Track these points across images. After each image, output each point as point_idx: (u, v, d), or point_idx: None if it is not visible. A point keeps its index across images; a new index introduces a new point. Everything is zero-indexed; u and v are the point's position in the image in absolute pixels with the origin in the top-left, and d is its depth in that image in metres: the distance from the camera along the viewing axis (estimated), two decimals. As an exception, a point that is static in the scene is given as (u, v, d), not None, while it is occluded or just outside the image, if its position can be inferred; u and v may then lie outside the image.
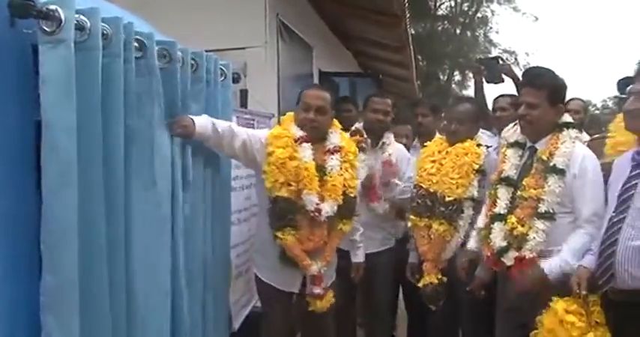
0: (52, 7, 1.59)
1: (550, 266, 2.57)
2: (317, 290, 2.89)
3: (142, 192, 2.07)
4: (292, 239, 2.82)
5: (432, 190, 3.24)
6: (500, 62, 3.96)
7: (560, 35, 57.73)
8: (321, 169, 2.91)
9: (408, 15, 7.13)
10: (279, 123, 3.39)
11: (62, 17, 1.60)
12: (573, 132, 2.75)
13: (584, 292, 2.37)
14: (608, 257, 2.32)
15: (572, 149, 2.68)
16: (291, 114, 3.05)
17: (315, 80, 6.78)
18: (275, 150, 2.81)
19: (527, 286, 2.60)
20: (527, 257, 2.63)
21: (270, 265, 2.97)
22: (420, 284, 3.25)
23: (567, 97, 3.90)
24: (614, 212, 2.37)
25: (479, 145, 3.22)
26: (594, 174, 2.64)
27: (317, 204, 2.83)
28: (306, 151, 2.86)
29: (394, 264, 3.69)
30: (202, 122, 2.54)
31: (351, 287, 3.57)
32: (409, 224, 3.37)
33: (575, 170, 2.65)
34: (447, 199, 3.13)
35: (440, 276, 3.21)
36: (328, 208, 2.86)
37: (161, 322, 2.19)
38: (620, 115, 2.80)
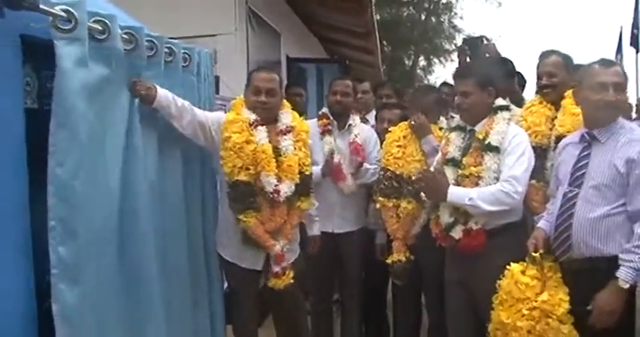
0: (67, 8, 1.82)
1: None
2: (276, 269, 2.97)
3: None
4: (254, 221, 2.89)
5: (398, 173, 3.38)
6: (485, 42, 4.05)
7: (523, 21, 58.44)
8: (275, 150, 2.95)
9: (373, 1, 7.25)
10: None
11: (76, 18, 1.82)
12: (507, 114, 2.98)
13: (541, 251, 2.57)
14: (565, 230, 2.53)
15: (505, 128, 2.91)
16: (241, 98, 3.06)
17: (283, 66, 6.88)
18: (231, 135, 2.84)
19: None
20: (473, 229, 2.85)
21: (234, 244, 3.01)
22: (388, 261, 3.40)
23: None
24: (567, 188, 2.57)
25: (441, 129, 3.40)
26: (521, 147, 2.87)
27: (275, 186, 2.90)
28: (261, 134, 2.91)
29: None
30: (164, 92, 2.56)
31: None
32: (377, 205, 3.49)
33: (507, 146, 2.87)
34: (414, 178, 3.26)
35: (408, 255, 3.36)
36: (286, 188, 2.93)
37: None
38: (529, 102, 3.27)
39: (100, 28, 1.99)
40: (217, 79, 4.37)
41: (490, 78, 3.03)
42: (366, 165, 3.67)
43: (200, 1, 4.65)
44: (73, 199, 1.84)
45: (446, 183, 2.89)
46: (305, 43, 8.67)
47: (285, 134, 3.02)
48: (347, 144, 3.74)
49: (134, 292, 2.17)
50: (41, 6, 1.74)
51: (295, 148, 3.02)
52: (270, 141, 2.93)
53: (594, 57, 2.65)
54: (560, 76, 3.13)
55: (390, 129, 3.58)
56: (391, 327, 4.06)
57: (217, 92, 4.28)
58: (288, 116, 3.09)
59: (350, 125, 3.79)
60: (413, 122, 3.39)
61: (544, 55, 3.24)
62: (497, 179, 2.84)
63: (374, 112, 4.27)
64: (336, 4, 6.86)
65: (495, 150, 2.86)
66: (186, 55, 2.73)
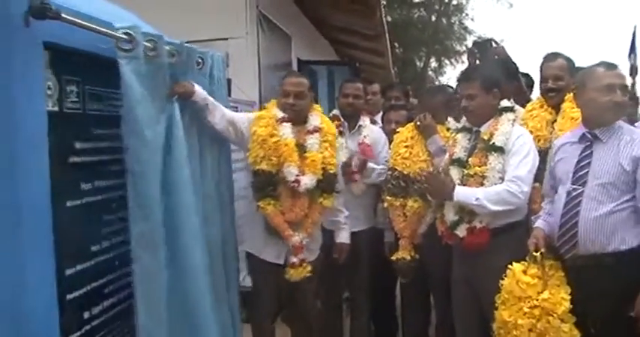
0: (128, 31, 2.17)
1: None
2: (293, 260, 3.10)
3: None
4: (272, 208, 3.06)
5: (405, 172, 3.47)
6: (494, 44, 4.05)
7: (534, 22, 58.29)
8: (301, 147, 3.15)
9: (383, 3, 7.31)
10: (261, 109, 3.58)
11: (135, 39, 2.17)
12: (511, 115, 3.06)
13: (542, 250, 2.64)
14: (571, 228, 2.59)
15: (509, 129, 2.99)
16: (275, 100, 3.28)
17: (294, 69, 6.95)
18: (257, 129, 3.08)
19: None
20: (477, 227, 2.93)
21: (257, 236, 3.19)
22: (392, 258, 3.48)
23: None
24: (571, 187, 2.63)
25: (448, 129, 3.47)
26: (525, 148, 2.95)
27: (297, 176, 3.07)
28: (285, 129, 3.11)
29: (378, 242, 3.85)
30: (199, 88, 2.74)
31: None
32: (385, 204, 3.58)
33: (511, 146, 2.95)
34: (418, 178, 3.34)
35: (413, 253, 3.44)
36: (307, 180, 3.09)
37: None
38: (530, 105, 3.35)
39: (151, 46, 2.28)
40: (229, 81, 4.47)
41: (494, 80, 3.11)
42: (370, 164, 3.74)
43: (212, 6, 4.75)
44: (144, 189, 2.22)
45: (450, 183, 2.96)
46: (315, 46, 8.75)
47: (312, 133, 3.20)
48: (357, 145, 3.82)
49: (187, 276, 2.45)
50: (105, 29, 2.06)
51: (321, 147, 3.19)
52: (297, 139, 3.13)
53: (607, 58, 2.70)
54: (565, 80, 3.19)
55: (397, 130, 3.67)
56: (400, 325, 4.13)
57: (229, 95, 4.38)
58: (317, 118, 3.28)
59: (360, 126, 3.89)
60: (418, 122, 3.47)
61: (549, 58, 3.30)
62: (501, 179, 2.91)
63: (381, 114, 4.35)
64: (346, 7, 6.93)
65: (500, 150, 2.94)
66: (200, 59, 2.82)
